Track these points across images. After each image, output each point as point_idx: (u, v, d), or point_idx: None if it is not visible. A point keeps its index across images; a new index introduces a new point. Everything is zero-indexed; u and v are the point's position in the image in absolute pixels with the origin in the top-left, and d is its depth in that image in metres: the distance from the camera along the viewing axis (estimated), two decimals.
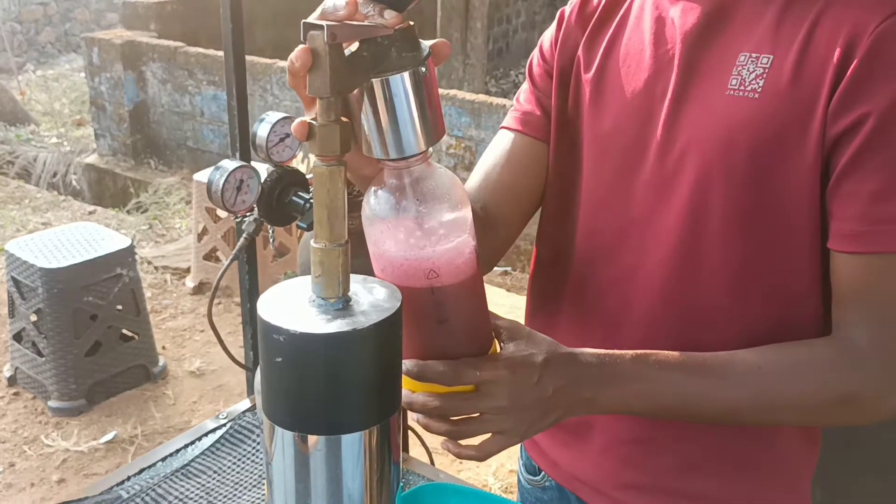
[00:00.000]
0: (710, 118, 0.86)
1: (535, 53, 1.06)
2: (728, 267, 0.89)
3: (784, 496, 1.01)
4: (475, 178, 1.06)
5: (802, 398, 0.86)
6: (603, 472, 1.04)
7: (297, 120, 0.70)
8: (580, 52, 0.99)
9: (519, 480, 1.21)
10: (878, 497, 1.61)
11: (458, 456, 0.84)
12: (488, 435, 0.83)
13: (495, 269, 4.43)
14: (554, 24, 1.04)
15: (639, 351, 0.87)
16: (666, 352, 0.87)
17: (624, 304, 0.96)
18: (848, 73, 0.79)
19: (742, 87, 0.84)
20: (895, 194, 0.79)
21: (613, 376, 0.85)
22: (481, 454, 0.83)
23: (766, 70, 0.83)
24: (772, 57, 0.83)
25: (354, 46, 0.69)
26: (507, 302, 3.75)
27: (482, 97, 4.48)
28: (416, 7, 0.72)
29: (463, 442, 0.85)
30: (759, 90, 0.83)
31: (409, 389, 0.81)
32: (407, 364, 0.79)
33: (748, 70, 0.84)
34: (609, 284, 0.98)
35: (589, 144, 0.98)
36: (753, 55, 0.85)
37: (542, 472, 1.13)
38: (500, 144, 1.06)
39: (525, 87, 1.07)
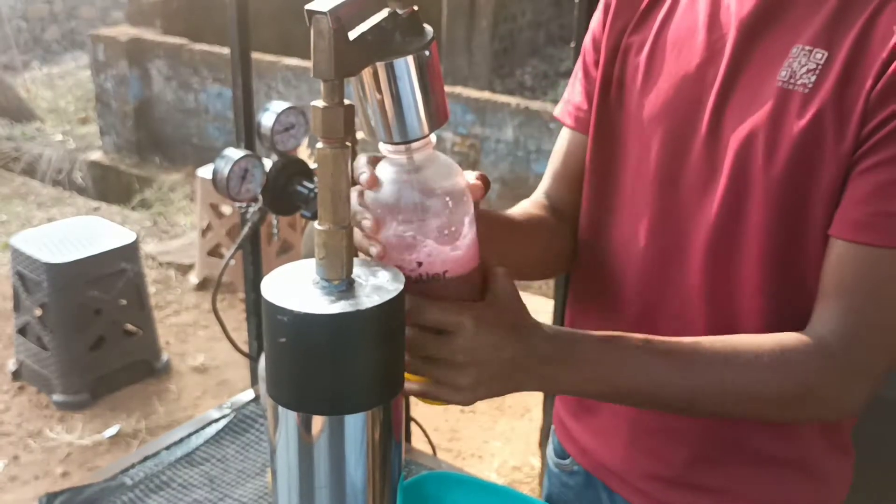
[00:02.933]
0: (757, 107, 0.85)
1: (587, 41, 1.05)
2: (763, 260, 0.88)
3: (811, 497, 0.99)
4: (546, 178, 1.08)
5: (763, 389, 0.84)
6: (629, 463, 1.04)
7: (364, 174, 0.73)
8: (628, 35, 0.98)
9: (547, 464, 1.21)
10: (885, 493, 1.60)
11: (419, 393, 0.79)
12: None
13: None
14: (599, 11, 1.03)
15: (601, 333, 0.83)
16: (630, 334, 0.84)
17: (662, 291, 0.96)
18: (889, 71, 0.78)
19: (793, 80, 0.83)
20: None
21: (572, 358, 0.81)
22: (422, 391, 0.79)
23: (819, 66, 0.82)
24: (826, 53, 0.82)
25: (359, 30, 0.69)
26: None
27: (487, 94, 4.49)
28: (420, 5, 0.72)
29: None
30: (809, 85, 0.82)
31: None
32: None
33: (800, 63, 0.83)
34: (649, 274, 0.97)
35: (635, 129, 0.97)
36: (807, 48, 0.83)
37: (571, 457, 1.14)
38: (560, 144, 1.08)
39: (578, 73, 1.06)
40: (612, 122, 0.99)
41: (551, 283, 4.02)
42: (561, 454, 1.17)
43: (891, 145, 0.78)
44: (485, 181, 0.80)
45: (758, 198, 0.86)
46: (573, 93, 1.06)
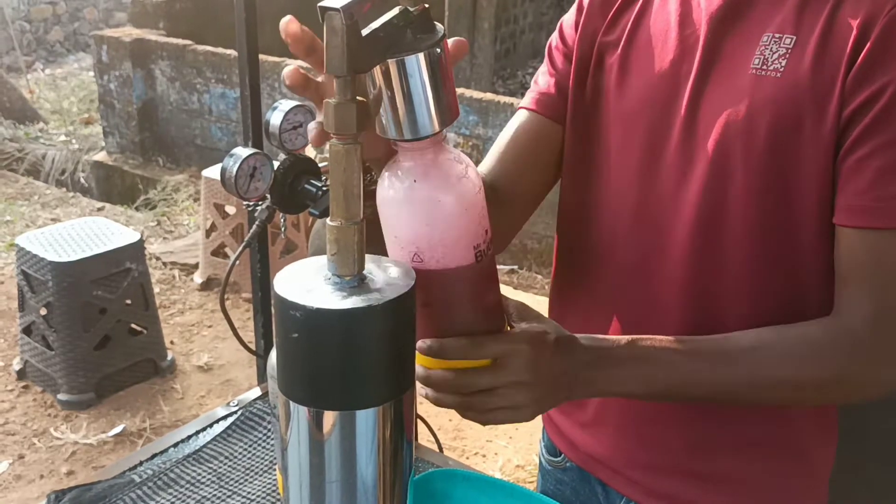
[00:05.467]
0: (732, 96, 0.88)
1: (555, 36, 1.07)
2: (744, 246, 0.90)
3: (800, 480, 1.01)
4: (489, 158, 1.07)
5: (796, 378, 0.87)
6: (619, 453, 1.05)
7: (311, 124, 0.72)
8: (601, 37, 1.00)
9: (540, 462, 1.22)
10: (887, 491, 1.60)
11: (465, 417, 0.84)
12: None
13: (502, 267, 4.44)
14: (574, 8, 1.05)
15: (631, 336, 0.88)
16: (658, 336, 0.89)
17: (644, 283, 0.97)
18: (863, 52, 0.80)
19: (765, 67, 0.86)
20: None
21: (609, 359, 0.86)
22: (484, 418, 0.83)
23: (790, 51, 0.85)
24: (795, 38, 0.85)
25: (371, 27, 0.70)
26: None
27: (490, 96, 4.49)
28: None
29: None
30: (781, 70, 0.85)
31: (423, 366, 0.82)
32: (426, 342, 0.79)
33: (771, 50, 0.86)
34: (630, 264, 0.99)
35: (614, 126, 0.99)
36: (777, 35, 0.86)
37: (563, 454, 1.15)
38: (514, 124, 1.07)
39: (543, 68, 1.08)
40: (589, 121, 1.01)
41: (531, 278, 4.09)
42: (552, 451, 1.17)
43: (882, 131, 0.80)
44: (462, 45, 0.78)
45: (739, 186, 0.88)
46: (537, 83, 1.08)
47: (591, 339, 0.87)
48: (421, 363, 0.82)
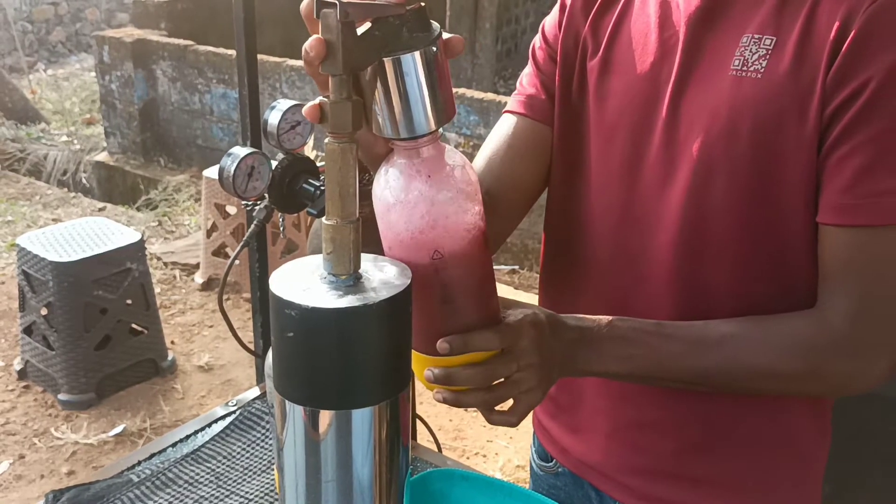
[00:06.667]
0: (713, 98, 0.88)
1: (538, 38, 1.07)
2: (731, 246, 0.90)
3: (794, 482, 1.01)
4: (478, 162, 1.06)
5: (772, 368, 0.87)
6: (610, 457, 1.04)
7: (310, 102, 0.70)
8: (583, 37, 1.00)
9: (532, 468, 1.22)
10: (886, 491, 1.61)
11: (494, 422, 0.85)
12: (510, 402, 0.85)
13: (503, 267, 4.44)
14: (556, 8, 1.05)
15: (613, 317, 0.89)
16: (640, 319, 0.90)
17: (632, 284, 0.97)
18: (842, 50, 0.80)
19: (745, 68, 0.86)
20: (883, 168, 0.80)
21: (590, 338, 0.88)
22: (515, 417, 0.84)
23: (769, 51, 0.85)
24: (774, 39, 0.85)
25: (366, 25, 0.70)
26: None
27: (491, 96, 4.49)
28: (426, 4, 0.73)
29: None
30: (761, 71, 0.85)
31: (441, 367, 0.82)
32: (448, 339, 0.78)
33: (751, 51, 0.86)
34: (617, 266, 0.98)
35: (595, 129, 0.98)
36: (756, 36, 0.86)
37: (554, 459, 1.14)
38: (503, 128, 1.06)
39: (528, 70, 1.07)
40: (575, 122, 1.01)
41: (532, 278, 4.10)
42: (544, 456, 1.17)
43: (863, 128, 0.80)
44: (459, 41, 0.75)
45: (722, 187, 0.88)
46: (523, 86, 1.07)
47: (575, 318, 0.89)
48: (436, 364, 0.82)
